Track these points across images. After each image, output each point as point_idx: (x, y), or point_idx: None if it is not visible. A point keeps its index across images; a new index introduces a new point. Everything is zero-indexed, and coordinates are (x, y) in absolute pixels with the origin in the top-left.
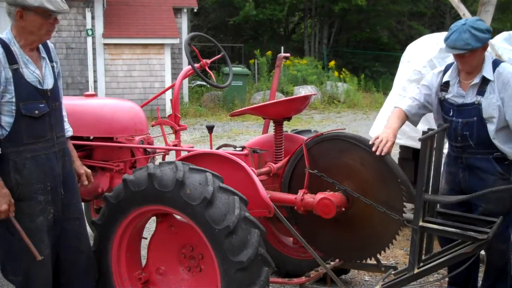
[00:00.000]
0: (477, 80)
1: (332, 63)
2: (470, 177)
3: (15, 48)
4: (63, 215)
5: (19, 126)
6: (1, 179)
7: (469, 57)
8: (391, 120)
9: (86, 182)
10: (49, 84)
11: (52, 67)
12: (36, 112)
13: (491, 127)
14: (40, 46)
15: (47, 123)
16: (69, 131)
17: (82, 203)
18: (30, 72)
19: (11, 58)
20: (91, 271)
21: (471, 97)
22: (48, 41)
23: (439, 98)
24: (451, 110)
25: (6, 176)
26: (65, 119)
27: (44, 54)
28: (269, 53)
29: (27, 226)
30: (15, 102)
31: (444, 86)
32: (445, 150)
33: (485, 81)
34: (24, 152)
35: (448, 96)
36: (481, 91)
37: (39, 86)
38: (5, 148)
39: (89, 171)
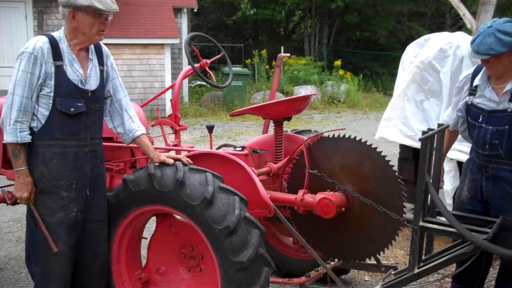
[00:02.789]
0: (509, 86)
1: (338, 62)
2: (494, 187)
3: (64, 46)
4: (86, 216)
5: (53, 120)
6: (27, 167)
7: (495, 62)
8: None
9: (171, 162)
10: (92, 85)
11: (101, 70)
12: (72, 109)
13: None
14: (91, 48)
15: (82, 122)
16: (138, 130)
17: None
18: (73, 71)
19: (56, 55)
20: (104, 277)
21: (503, 104)
22: (103, 46)
23: (466, 102)
24: (481, 116)
25: (34, 167)
26: (135, 119)
27: (92, 56)
28: (263, 51)
29: (46, 220)
30: (53, 96)
31: (473, 90)
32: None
33: None
34: (54, 146)
35: (477, 100)
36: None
37: (80, 85)
38: (37, 140)
39: (167, 156)
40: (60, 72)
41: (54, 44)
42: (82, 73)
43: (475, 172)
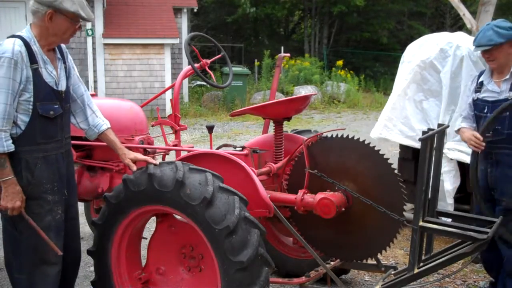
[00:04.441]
0: (508, 76)
1: (340, 62)
2: (496, 172)
3: (35, 48)
4: (66, 215)
5: (34, 125)
6: (14, 176)
7: (495, 53)
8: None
9: (134, 168)
10: (63, 86)
11: (65, 68)
12: (51, 112)
13: None
14: (56, 47)
15: (59, 125)
16: (103, 124)
17: (82, 203)
18: (48, 73)
19: (31, 58)
20: (76, 266)
21: (505, 93)
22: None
23: (473, 98)
24: (486, 107)
25: (17, 174)
26: (98, 113)
27: (59, 55)
28: (276, 57)
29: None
30: (33, 101)
31: (478, 88)
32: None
33: None
34: (36, 151)
35: (482, 95)
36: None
37: (55, 87)
38: (18, 147)
39: (137, 157)
40: (37, 76)
41: (28, 47)
42: (55, 74)
43: (482, 162)
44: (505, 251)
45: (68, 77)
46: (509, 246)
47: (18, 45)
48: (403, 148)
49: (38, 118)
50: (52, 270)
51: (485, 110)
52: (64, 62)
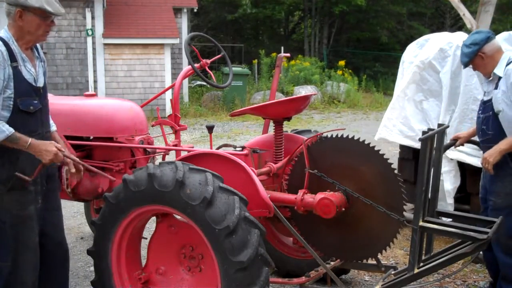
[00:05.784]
0: (491, 77)
1: (342, 62)
2: (486, 172)
3: (14, 47)
4: (45, 205)
5: (15, 120)
6: (31, 139)
7: (474, 66)
8: None
9: (73, 170)
10: (41, 82)
11: (42, 66)
12: (31, 108)
13: (501, 120)
14: (36, 45)
15: (39, 119)
16: (53, 125)
17: (82, 203)
18: (27, 70)
19: (11, 56)
20: (66, 264)
21: (490, 94)
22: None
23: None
24: (480, 108)
25: (1, 166)
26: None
27: (37, 54)
28: (274, 54)
29: (19, 214)
30: (13, 97)
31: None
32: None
33: (499, 78)
34: None
35: (483, 95)
36: (496, 87)
37: (34, 84)
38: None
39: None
40: (17, 73)
41: (7, 46)
42: (34, 71)
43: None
44: (502, 258)
45: (45, 73)
46: (502, 250)
47: None
48: (403, 148)
49: (19, 113)
50: (34, 257)
51: (480, 111)
52: (42, 61)
